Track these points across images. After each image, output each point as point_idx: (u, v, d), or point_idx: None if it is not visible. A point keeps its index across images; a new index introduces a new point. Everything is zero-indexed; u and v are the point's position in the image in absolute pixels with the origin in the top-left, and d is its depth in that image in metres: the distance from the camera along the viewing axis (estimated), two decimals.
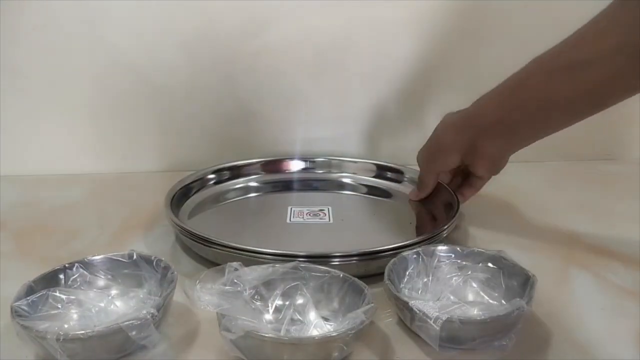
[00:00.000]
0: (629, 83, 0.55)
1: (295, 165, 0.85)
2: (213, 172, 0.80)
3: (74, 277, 0.52)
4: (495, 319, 0.46)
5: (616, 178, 0.89)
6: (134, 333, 0.44)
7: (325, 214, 0.72)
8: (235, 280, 0.49)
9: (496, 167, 0.67)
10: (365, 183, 0.82)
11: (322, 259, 0.56)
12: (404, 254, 0.54)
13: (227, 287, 0.48)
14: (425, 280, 0.54)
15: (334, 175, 0.84)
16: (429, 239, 0.60)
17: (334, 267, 0.53)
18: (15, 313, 0.46)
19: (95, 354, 0.45)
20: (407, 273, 0.54)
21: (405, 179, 0.81)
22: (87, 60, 0.84)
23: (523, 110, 0.60)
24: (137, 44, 0.84)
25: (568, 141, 0.95)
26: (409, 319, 0.48)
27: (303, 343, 0.45)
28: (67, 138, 0.88)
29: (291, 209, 0.73)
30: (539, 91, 0.59)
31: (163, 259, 0.53)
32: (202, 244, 0.60)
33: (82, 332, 0.44)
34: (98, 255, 0.54)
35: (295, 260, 0.53)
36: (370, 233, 0.70)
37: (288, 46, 0.86)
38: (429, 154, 0.69)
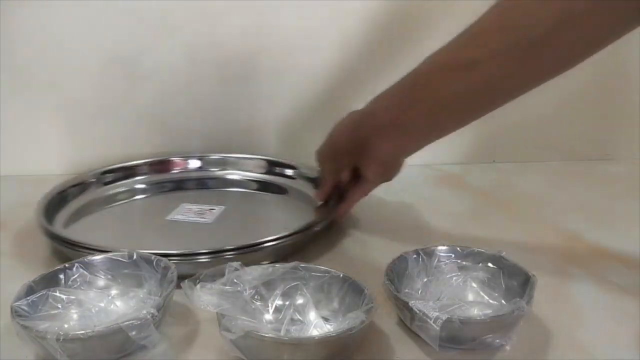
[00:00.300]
0: (514, 83, 0.55)
1: (192, 164, 0.84)
2: (101, 174, 0.79)
3: (74, 277, 0.52)
4: (495, 319, 0.47)
5: (616, 178, 0.89)
6: (134, 333, 0.44)
7: (212, 213, 0.72)
8: (235, 280, 0.50)
9: (388, 170, 0.65)
10: (261, 180, 0.82)
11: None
12: (404, 254, 0.54)
13: (227, 287, 0.48)
14: (425, 280, 0.54)
15: (228, 173, 0.84)
16: (286, 236, 0.60)
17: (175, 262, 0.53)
18: (15, 313, 0.46)
19: (95, 354, 0.45)
20: (407, 273, 0.54)
21: (300, 175, 0.80)
22: (88, 60, 0.84)
23: (415, 110, 0.59)
24: (138, 44, 0.84)
25: (568, 141, 0.95)
26: (409, 319, 0.48)
27: (303, 343, 0.45)
28: (67, 138, 0.88)
29: (182, 207, 0.73)
30: (431, 90, 0.57)
31: (163, 258, 0.53)
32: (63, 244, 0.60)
33: (82, 332, 0.44)
34: (98, 255, 0.54)
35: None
36: (239, 232, 0.69)
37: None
38: (324, 153, 0.67)
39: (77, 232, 0.66)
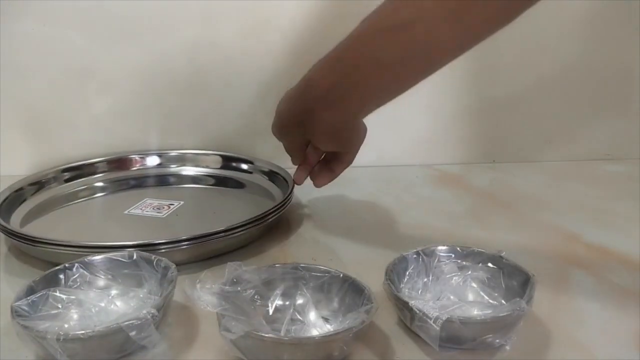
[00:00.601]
0: (446, 45, 0.54)
1: (151, 161, 0.86)
2: (61, 172, 0.80)
3: (74, 277, 0.52)
4: (495, 319, 0.47)
5: (616, 178, 0.89)
6: (134, 333, 0.44)
7: (169, 208, 0.73)
8: (235, 280, 0.50)
9: (338, 139, 0.62)
10: (218, 175, 0.84)
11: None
12: (405, 253, 0.54)
13: (227, 287, 0.48)
14: (425, 280, 0.54)
15: (186, 169, 0.85)
16: (237, 228, 0.62)
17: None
18: (16, 313, 0.46)
19: (96, 354, 0.45)
20: (408, 273, 0.54)
21: (257, 169, 0.82)
22: (88, 60, 0.84)
23: (354, 75, 0.56)
24: (137, 44, 0.84)
25: (568, 141, 0.96)
26: (409, 319, 0.48)
27: (303, 343, 0.45)
28: (67, 138, 0.88)
29: (143, 202, 0.75)
30: (368, 53, 0.55)
31: (163, 258, 0.53)
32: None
33: (82, 332, 0.44)
34: (98, 255, 0.54)
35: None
36: (192, 224, 0.71)
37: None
38: (276, 129, 0.65)
39: (35, 228, 0.68)
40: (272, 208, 0.66)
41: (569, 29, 0.89)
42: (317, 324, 0.50)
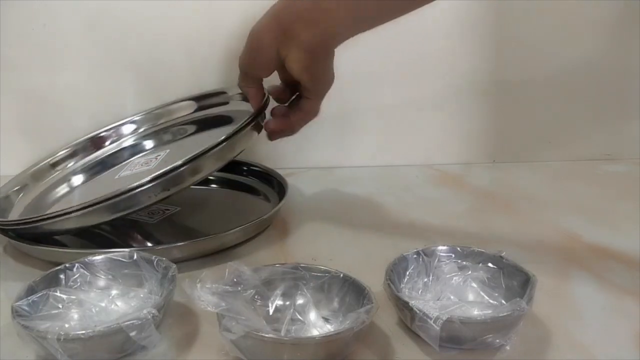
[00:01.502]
0: None
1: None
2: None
3: (75, 277, 0.52)
4: (495, 319, 0.47)
5: (616, 178, 0.89)
6: (134, 333, 0.44)
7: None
8: (236, 280, 0.50)
9: (315, 61, 0.61)
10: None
11: None
12: (405, 253, 0.54)
13: (227, 287, 0.48)
14: (426, 280, 0.54)
15: None
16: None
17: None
18: (16, 313, 0.46)
19: (96, 354, 0.45)
20: (408, 273, 0.54)
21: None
22: (88, 60, 0.84)
23: None
24: (137, 44, 0.84)
25: (568, 141, 0.96)
26: (409, 319, 0.48)
27: (303, 343, 0.45)
28: (67, 139, 0.88)
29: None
30: None
31: (164, 258, 0.53)
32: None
33: (83, 332, 0.44)
34: (98, 255, 0.54)
35: None
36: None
37: None
38: (246, 54, 0.63)
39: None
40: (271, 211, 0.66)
41: (569, 29, 0.90)
42: (317, 324, 0.50)
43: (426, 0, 0.56)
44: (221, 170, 0.83)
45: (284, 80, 0.68)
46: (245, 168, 0.84)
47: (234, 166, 0.84)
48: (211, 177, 0.84)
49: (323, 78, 0.64)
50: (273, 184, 0.79)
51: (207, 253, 0.63)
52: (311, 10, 0.57)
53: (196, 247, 0.62)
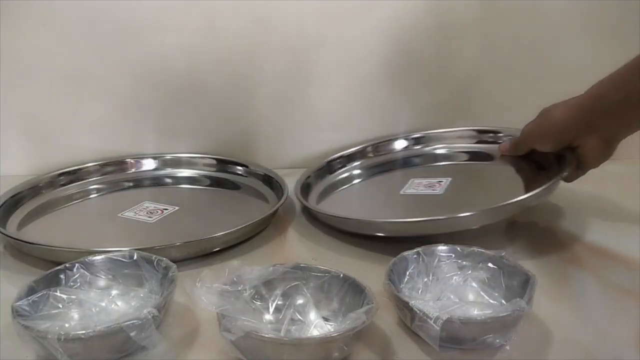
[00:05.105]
0: None
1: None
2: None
3: (75, 277, 0.53)
4: (495, 319, 0.47)
5: (616, 178, 0.89)
6: (134, 333, 0.44)
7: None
8: (236, 280, 0.50)
9: (611, 150, 0.67)
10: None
11: None
12: (405, 253, 0.54)
13: (227, 287, 0.48)
14: (426, 280, 0.54)
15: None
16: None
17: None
18: (16, 313, 0.46)
19: (96, 353, 0.45)
20: (408, 273, 0.54)
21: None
22: (88, 60, 0.84)
23: None
24: (137, 44, 0.84)
25: None
26: (409, 319, 0.48)
27: (303, 343, 0.45)
28: (68, 138, 0.88)
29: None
30: None
31: (164, 258, 0.53)
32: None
33: (83, 332, 0.44)
34: (99, 255, 0.54)
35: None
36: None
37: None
38: (540, 130, 0.70)
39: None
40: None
41: (569, 29, 0.89)
42: (317, 324, 0.50)
43: None
44: (221, 170, 0.85)
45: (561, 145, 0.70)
46: (244, 168, 0.84)
47: (233, 166, 0.85)
48: (211, 177, 0.85)
49: (605, 160, 0.69)
50: (272, 184, 0.79)
51: (207, 253, 0.63)
52: (619, 103, 0.63)
53: (196, 247, 0.62)
